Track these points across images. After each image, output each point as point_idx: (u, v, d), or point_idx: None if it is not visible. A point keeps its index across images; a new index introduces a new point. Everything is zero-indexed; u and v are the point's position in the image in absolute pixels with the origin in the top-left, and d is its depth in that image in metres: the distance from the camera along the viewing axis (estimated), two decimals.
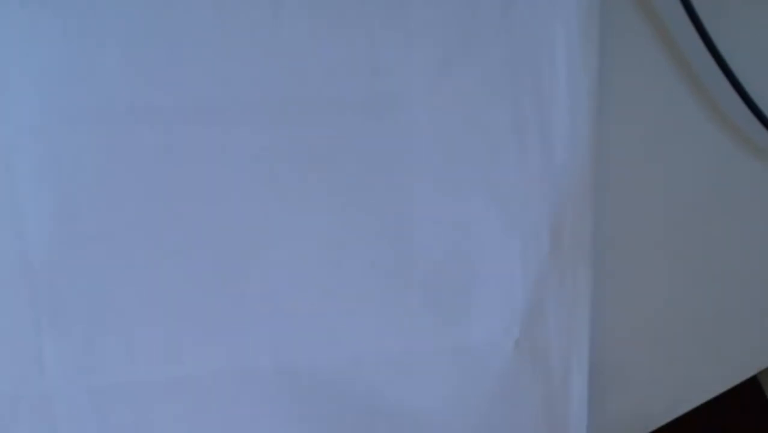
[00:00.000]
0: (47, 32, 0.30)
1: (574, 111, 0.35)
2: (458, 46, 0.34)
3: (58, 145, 0.31)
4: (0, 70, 0.30)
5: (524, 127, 0.35)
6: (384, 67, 0.33)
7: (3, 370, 0.32)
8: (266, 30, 0.32)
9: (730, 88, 0.37)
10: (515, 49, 0.34)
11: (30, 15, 0.30)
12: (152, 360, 0.33)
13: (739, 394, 0.42)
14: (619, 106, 0.36)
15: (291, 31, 0.32)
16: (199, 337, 0.34)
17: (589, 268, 0.37)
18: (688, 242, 0.39)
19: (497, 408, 0.37)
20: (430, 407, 0.37)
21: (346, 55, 0.33)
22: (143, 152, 0.32)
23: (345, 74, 0.33)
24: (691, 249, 0.39)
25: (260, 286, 0.34)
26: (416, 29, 0.33)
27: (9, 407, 0.32)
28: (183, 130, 0.32)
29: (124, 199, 0.32)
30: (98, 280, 0.32)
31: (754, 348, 0.41)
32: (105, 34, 0.31)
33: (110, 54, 0.31)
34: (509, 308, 0.36)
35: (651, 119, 0.37)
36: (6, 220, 0.31)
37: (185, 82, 0.32)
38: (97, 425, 0.33)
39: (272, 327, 0.34)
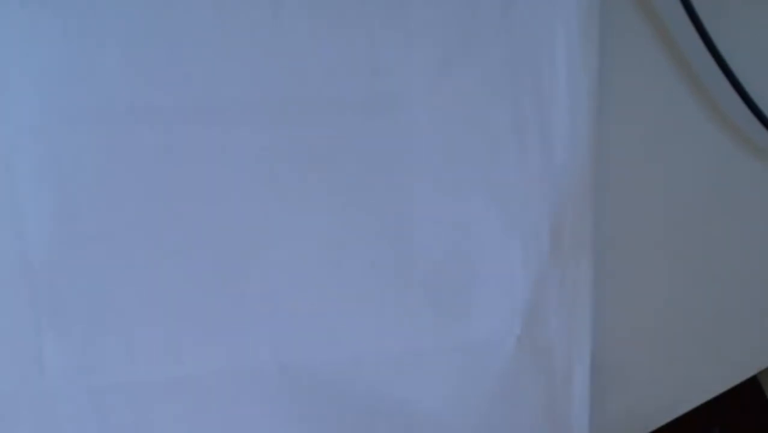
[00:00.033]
0: (47, 32, 0.30)
1: (574, 111, 0.35)
2: (458, 46, 0.34)
3: (58, 145, 0.31)
4: (0, 70, 0.30)
5: (524, 127, 0.35)
6: (384, 67, 0.33)
7: (4, 370, 0.32)
8: (266, 30, 0.32)
9: (730, 88, 0.37)
10: (515, 49, 0.34)
11: (30, 15, 0.30)
12: (152, 360, 0.33)
13: (739, 394, 0.42)
14: (619, 106, 0.36)
15: (291, 31, 0.32)
16: (199, 337, 0.34)
17: (590, 266, 0.37)
18: (688, 242, 0.39)
19: (499, 406, 0.37)
20: (431, 406, 0.37)
21: (346, 55, 0.33)
22: (143, 152, 0.32)
23: (345, 74, 0.33)
24: (691, 249, 0.39)
25: (260, 286, 0.34)
26: (416, 29, 0.33)
27: (10, 406, 0.32)
28: (183, 130, 0.32)
29: (124, 199, 0.32)
30: (98, 280, 0.32)
31: (754, 348, 0.41)
32: (105, 34, 0.31)
33: (110, 54, 0.31)
34: (510, 307, 0.36)
35: (651, 119, 0.37)
36: (6, 220, 0.31)
37: (185, 82, 0.32)
38: (97, 425, 0.33)
39: (272, 327, 0.34)
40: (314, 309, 0.35)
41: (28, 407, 0.32)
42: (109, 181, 0.32)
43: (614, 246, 0.37)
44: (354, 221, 0.34)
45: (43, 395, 0.32)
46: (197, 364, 0.34)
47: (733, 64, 0.36)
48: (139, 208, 0.32)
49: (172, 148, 0.32)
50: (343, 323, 0.35)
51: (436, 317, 0.36)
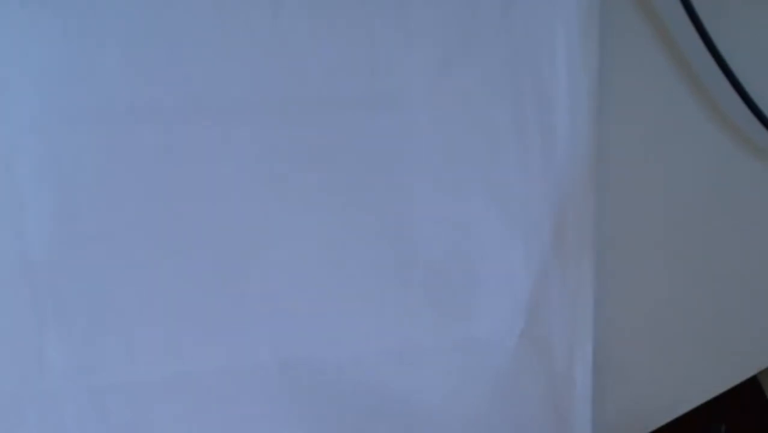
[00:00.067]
0: (47, 32, 0.30)
1: (574, 111, 0.35)
2: (458, 46, 0.34)
3: (58, 145, 0.31)
4: (0, 70, 0.30)
5: (524, 127, 0.35)
6: (384, 67, 0.33)
7: (5, 369, 0.32)
8: (266, 30, 0.32)
9: (730, 88, 0.37)
10: (515, 49, 0.34)
11: (30, 15, 0.30)
12: (153, 359, 0.33)
13: (739, 394, 0.42)
14: (619, 106, 0.36)
15: (291, 31, 0.32)
16: (200, 336, 0.34)
17: (591, 265, 0.37)
18: (688, 242, 0.39)
19: (500, 404, 0.37)
20: (432, 404, 0.37)
21: (346, 54, 0.33)
22: (143, 152, 0.32)
23: (345, 74, 0.33)
24: (691, 249, 0.39)
25: (260, 285, 0.34)
26: (416, 29, 0.33)
27: (12, 406, 0.32)
28: (183, 130, 0.32)
29: (124, 199, 0.32)
30: (98, 279, 0.32)
31: (754, 348, 0.41)
32: (105, 34, 0.31)
33: (110, 54, 0.31)
34: (511, 305, 0.36)
35: (651, 119, 0.37)
36: (6, 220, 0.31)
37: (185, 82, 0.32)
38: (98, 424, 0.33)
39: (272, 326, 0.34)
40: (314, 308, 0.35)
41: (29, 407, 0.33)
42: (109, 181, 0.32)
43: (614, 246, 0.37)
44: (354, 220, 0.34)
45: (45, 394, 0.32)
46: (197, 363, 0.34)
47: (733, 64, 0.36)
48: (139, 208, 0.32)
49: (172, 148, 0.32)
50: (343, 323, 0.35)
51: (437, 316, 0.36)
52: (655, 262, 0.39)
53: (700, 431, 0.45)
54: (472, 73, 0.34)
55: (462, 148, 0.35)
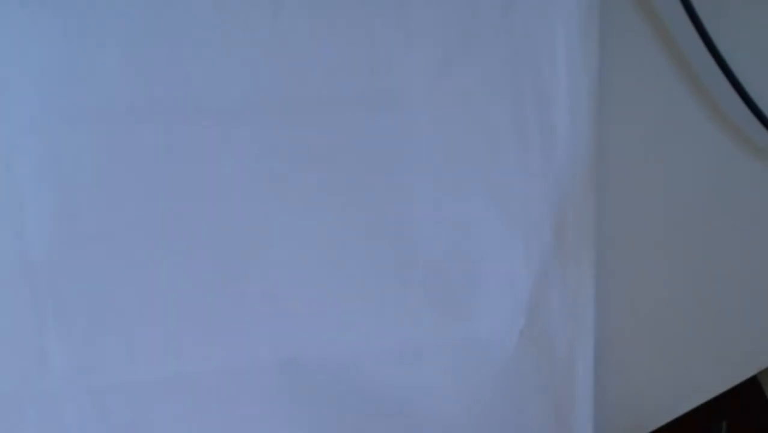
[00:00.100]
0: (47, 32, 0.30)
1: (574, 111, 0.35)
2: (458, 46, 0.34)
3: (58, 145, 0.31)
4: (0, 70, 0.30)
5: (524, 127, 0.35)
6: (384, 67, 0.33)
7: (6, 370, 0.32)
8: (266, 30, 0.32)
9: (730, 88, 0.37)
10: (515, 49, 0.34)
11: (30, 15, 0.30)
12: (153, 359, 0.33)
13: (739, 394, 0.42)
14: (619, 106, 0.36)
15: (291, 31, 0.32)
16: (200, 336, 0.34)
17: (591, 264, 0.37)
18: (688, 242, 0.39)
19: (502, 401, 0.37)
20: (433, 401, 0.37)
21: (346, 54, 0.33)
22: (143, 152, 0.32)
23: (345, 74, 0.33)
24: (691, 249, 0.39)
25: (260, 285, 0.34)
26: (416, 29, 0.33)
27: (14, 406, 0.32)
28: (183, 130, 0.32)
29: (124, 199, 0.32)
30: (99, 279, 0.32)
31: (754, 348, 0.41)
32: (105, 34, 0.31)
33: (110, 54, 0.31)
34: (512, 303, 0.36)
35: (651, 119, 0.37)
36: (6, 220, 0.31)
37: (185, 82, 0.32)
38: (98, 424, 0.33)
39: (272, 326, 0.34)
40: (314, 308, 0.35)
41: (29, 407, 0.33)
42: (109, 181, 0.32)
43: (614, 246, 0.37)
44: (354, 220, 0.34)
45: (45, 394, 0.32)
46: (198, 363, 0.34)
47: (733, 64, 0.36)
48: (139, 208, 0.32)
49: (172, 148, 0.32)
50: (343, 322, 0.35)
51: (437, 315, 0.36)
52: (655, 262, 0.39)
53: (700, 431, 0.45)
54: (472, 73, 0.34)
55: (462, 148, 0.35)
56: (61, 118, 0.31)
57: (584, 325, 0.37)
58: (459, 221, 0.35)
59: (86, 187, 0.32)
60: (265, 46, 0.32)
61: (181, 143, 0.32)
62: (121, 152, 0.32)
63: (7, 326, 0.32)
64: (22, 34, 0.30)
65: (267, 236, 0.33)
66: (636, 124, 0.37)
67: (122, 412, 0.33)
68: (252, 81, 0.32)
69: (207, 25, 0.32)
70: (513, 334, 0.37)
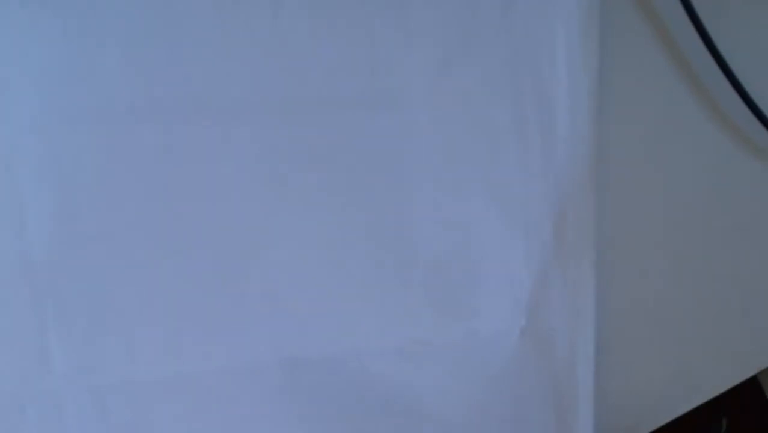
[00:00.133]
0: (47, 32, 0.30)
1: (574, 111, 0.35)
2: (458, 46, 0.34)
3: (58, 145, 0.31)
4: (0, 70, 0.30)
5: (524, 127, 0.35)
6: (384, 67, 0.33)
7: (6, 370, 0.32)
8: (266, 30, 0.32)
9: (730, 88, 0.37)
10: (515, 49, 0.34)
11: (30, 15, 0.30)
12: (153, 359, 0.33)
13: (739, 394, 0.42)
14: (619, 106, 0.36)
15: (291, 31, 0.32)
16: (200, 336, 0.34)
17: (592, 263, 0.37)
18: (688, 242, 0.39)
19: (503, 400, 0.37)
20: (434, 400, 0.37)
21: (346, 55, 0.33)
22: (143, 152, 0.32)
23: (345, 74, 0.33)
24: (691, 249, 0.39)
25: (261, 285, 0.34)
26: (416, 29, 0.33)
27: (15, 406, 0.32)
28: (183, 130, 0.32)
29: (125, 199, 0.32)
30: (99, 279, 0.32)
31: (754, 348, 0.41)
32: (105, 34, 0.31)
33: (110, 54, 0.31)
34: (512, 303, 0.36)
35: (651, 119, 0.37)
36: (6, 220, 0.31)
37: (185, 82, 0.32)
38: (99, 424, 0.33)
39: (273, 325, 0.34)
40: (315, 308, 0.35)
41: (30, 406, 0.33)
42: (110, 181, 0.32)
43: (614, 246, 0.37)
44: (354, 220, 0.34)
45: (45, 394, 0.33)
46: (198, 363, 0.34)
47: (733, 64, 0.36)
48: (139, 208, 0.32)
49: (172, 148, 0.32)
50: (343, 322, 0.35)
51: (438, 315, 0.36)
52: (655, 262, 0.39)
53: (700, 431, 0.45)
54: (472, 73, 0.34)
55: (462, 148, 0.35)
56: (61, 118, 0.31)
57: (585, 324, 0.37)
58: (459, 220, 0.35)
59: (86, 187, 0.32)
60: (265, 46, 0.32)
61: (181, 143, 0.32)
62: (121, 152, 0.32)
63: (7, 325, 0.32)
64: (22, 34, 0.30)
65: (267, 235, 0.33)
66: (636, 124, 0.37)
67: (122, 412, 0.33)
68: (252, 81, 0.32)
69: (207, 25, 0.32)
70: (513, 333, 0.37)
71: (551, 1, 0.34)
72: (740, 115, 0.38)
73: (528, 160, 0.35)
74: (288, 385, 0.35)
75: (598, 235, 0.37)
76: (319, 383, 0.35)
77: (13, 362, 0.32)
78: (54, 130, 0.31)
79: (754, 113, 0.37)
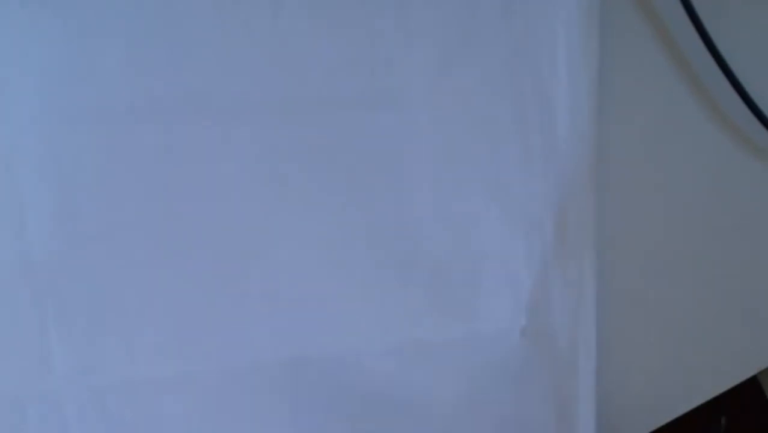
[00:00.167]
0: (47, 32, 0.30)
1: (574, 111, 0.35)
2: (458, 46, 0.34)
3: (58, 145, 0.31)
4: (0, 70, 0.30)
5: (525, 127, 0.35)
6: (384, 67, 0.33)
7: (7, 370, 0.32)
8: (266, 30, 0.32)
9: (730, 88, 0.37)
10: (515, 49, 0.34)
11: (30, 15, 0.30)
12: (154, 359, 0.33)
13: (739, 394, 0.42)
14: (619, 106, 0.36)
15: (291, 31, 0.32)
16: (201, 335, 0.34)
17: (593, 262, 0.37)
18: (688, 242, 0.39)
19: (504, 399, 0.37)
20: (436, 399, 0.37)
21: (346, 54, 0.33)
22: (143, 152, 0.32)
23: (345, 74, 0.33)
24: (691, 249, 0.39)
25: (261, 284, 0.34)
26: (416, 29, 0.33)
27: (15, 406, 0.32)
28: (183, 130, 0.32)
29: (125, 199, 0.32)
30: (99, 279, 0.32)
31: (754, 348, 0.41)
32: (105, 34, 0.31)
33: (110, 54, 0.31)
34: (514, 301, 0.36)
35: (651, 119, 0.37)
36: (6, 220, 0.31)
37: (185, 82, 0.32)
38: (99, 424, 0.33)
39: (274, 325, 0.34)
40: (316, 308, 0.35)
41: (31, 407, 0.33)
42: (110, 180, 0.32)
43: (614, 246, 0.37)
44: (354, 220, 0.34)
45: (46, 394, 0.33)
46: (199, 362, 0.34)
47: (733, 64, 0.36)
48: (139, 208, 0.32)
49: (172, 148, 0.32)
50: (344, 322, 0.35)
51: (439, 315, 0.36)
52: (655, 261, 0.39)
53: (700, 431, 0.45)
54: (472, 73, 0.34)
55: (462, 148, 0.35)
56: (61, 118, 0.31)
57: (586, 323, 0.37)
58: (459, 220, 0.35)
59: (86, 187, 0.32)
60: (265, 46, 0.32)
61: (181, 143, 0.32)
62: (121, 152, 0.32)
63: (7, 326, 0.32)
64: (22, 34, 0.30)
65: (267, 235, 0.33)
66: (636, 124, 0.37)
67: (123, 412, 0.33)
68: (252, 81, 0.32)
69: (207, 25, 0.32)
70: (514, 333, 0.37)
71: (551, 1, 0.34)
72: (740, 115, 0.38)
73: (528, 159, 0.35)
74: (288, 384, 0.35)
75: (598, 235, 0.37)
76: (319, 383, 0.35)
77: (14, 363, 0.32)
78: (54, 130, 0.31)
79: (754, 113, 0.37)
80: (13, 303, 0.32)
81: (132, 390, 0.33)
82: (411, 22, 0.33)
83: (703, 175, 0.38)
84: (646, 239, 0.38)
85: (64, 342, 0.32)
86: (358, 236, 0.34)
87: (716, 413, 0.46)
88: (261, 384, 0.35)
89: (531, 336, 0.37)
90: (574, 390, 0.38)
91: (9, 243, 0.31)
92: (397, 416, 0.36)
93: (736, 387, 0.41)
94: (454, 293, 0.36)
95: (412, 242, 0.35)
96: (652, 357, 0.40)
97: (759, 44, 0.38)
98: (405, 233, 0.35)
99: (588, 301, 0.37)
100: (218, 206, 0.33)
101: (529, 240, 0.36)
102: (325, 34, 0.33)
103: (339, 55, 0.33)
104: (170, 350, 0.33)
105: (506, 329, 0.36)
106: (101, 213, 0.32)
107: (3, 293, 0.31)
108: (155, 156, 0.32)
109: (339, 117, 0.33)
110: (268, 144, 0.33)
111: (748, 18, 0.37)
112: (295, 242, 0.34)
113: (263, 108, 0.33)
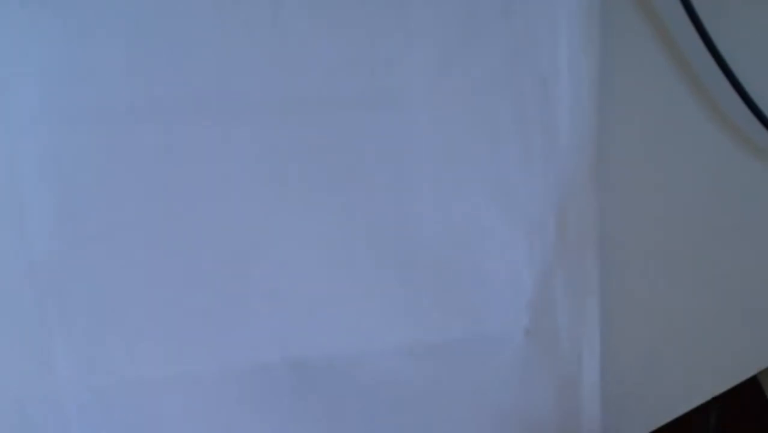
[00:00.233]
0: (47, 32, 0.30)
1: (575, 111, 0.35)
2: (458, 45, 0.34)
3: (58, 145, 0.31)
4: (0, 70, 0.30)
5: (525, 126, 0.35)
6: (384, 67, 0.33)
7: (9, 370, 0.32)
8: (266, 30, 0.32)
9: (730, 88, 0.37)
10: (515, 49, 0.34)
11: (30, 15, 0.30)
12: (156, 359, 0.33)
13: (739, 394, 0.42)
14: (619, 106, 0.36)
15: (291, 31, 0.32)
16: (203, 335, 0.34)
17: (595, 262, 0.37)
18: (688, 242, 0.39)
19: (507, 400, 0.37)
20: (438, 399, 0.37)
21: (346, 54, 0.33)
22: (143, 152, 0.32)
23: (345, 74, 0.33)
24: (691, 249, 0.39)
25: (263, 284, 0.34)
26: (416, 29, 0.33)
27: (17, 406, 0.32)
28: (183, 130, 0.32)
29: (125, 199, 0.32)
30: (101, 279, 0.32)
31: (754, 348, 0.41)
32: (105, 34, 0.31)
33: (110, 54, 0.31)
34: (516, 301, 0.36)
35: (651, 119, 0.37)
36: (7, 220, 0.31)
37: (185, 82, 0.32)
38: (102, 424, 0.33)
39: (275, 325, 0.34)
40: (316, 307, 0.35)
41: (32, 407, 0.33)
42: (110, 180, 0.32)
43: (614, 246, 0.37)
44: (355, 220, 0.34)
45: (48, 394, 0.32)
46: (201, 362, 0.34)
47: (733, 64, 0.36)
48: (140, 208, 0.32)
49: (172, 148, 0.32)
50: (346, 321, 0.35)
51: (441, 315, 0.36)
52: (655, 262, 0.39)
53: (700, 431, 0.45)
54: (472, 72, 0.34)
55: (462, 148, 0.35)
56: (61, 118, 0.31)
57: (589, 323, 0.37)
58: (460, 220, 0.35)
59: (87, 187, 0.32)
60: (265, 46, 0.32)
61: (181, 143, 0.32)
62: (121, 152, 0.32)
63: (9, 326, 0.32)
64: (22, 34, 0.30)
65: (268, 235, 0.34)
66: (636, 124, 0.37)
67: (125, 412, 0.33)
68: (252, 81, 0.32)
69: (207, 25, 0.32)
70: (517, 333, 0.37)
71: (551, 1, 0.34)
72: (740, 115, 0.38)
73: (529, 159, 0.35)
74: (289, 384, 0.35)
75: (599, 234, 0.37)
76: (320, 383, 0.35)
77: (14, 363, 0.32)
78: (54, 130, 0.31)
79: (754, 113, 0.37)
80: (13, 303, 0.32)
81: (133, 390, 0.33)
82: (411, 22, 0.33)
83: (703, 175, 0.38)
84: (646, 239, 0.38)
85: (64, 342, 0.32)
86: (359, 236, 0.34)
87: (716, 413, 0.46)
88: (262, 384, 0.35)
89: (534, 337, 0.37)
90: (578, 391, 0.38)
91: (9, 243, 0.31)
92: (399, 416, 0.36)
93: (736, 387, 0.41)
94: (456, 293, 0.36)
95: (413, 242, 0.35)
96: (652, 357, 0.40)
97: (759, 44, 0.38)
98: (405, 233, 0.35)
99: (591, 300, 0.37)
100: (218, 206, 0.33)
101: (530, 240, 0.36)
102: (325, 34, 0.33)
103: (339, 55, 0.33)
104: (171, 350, 0.33)
105: (509, 329, 0.36)
106: (102, 213, 0.32)
107: (3, 293, 0.32)
108: (155, 156, 0.32)
109: (339, 117, 0.33)
110: (268, 144, 0.33)
111: (748, 18, 0.37)
112: (295, 241, 0.34)
113: (263, 108, 0.33)
